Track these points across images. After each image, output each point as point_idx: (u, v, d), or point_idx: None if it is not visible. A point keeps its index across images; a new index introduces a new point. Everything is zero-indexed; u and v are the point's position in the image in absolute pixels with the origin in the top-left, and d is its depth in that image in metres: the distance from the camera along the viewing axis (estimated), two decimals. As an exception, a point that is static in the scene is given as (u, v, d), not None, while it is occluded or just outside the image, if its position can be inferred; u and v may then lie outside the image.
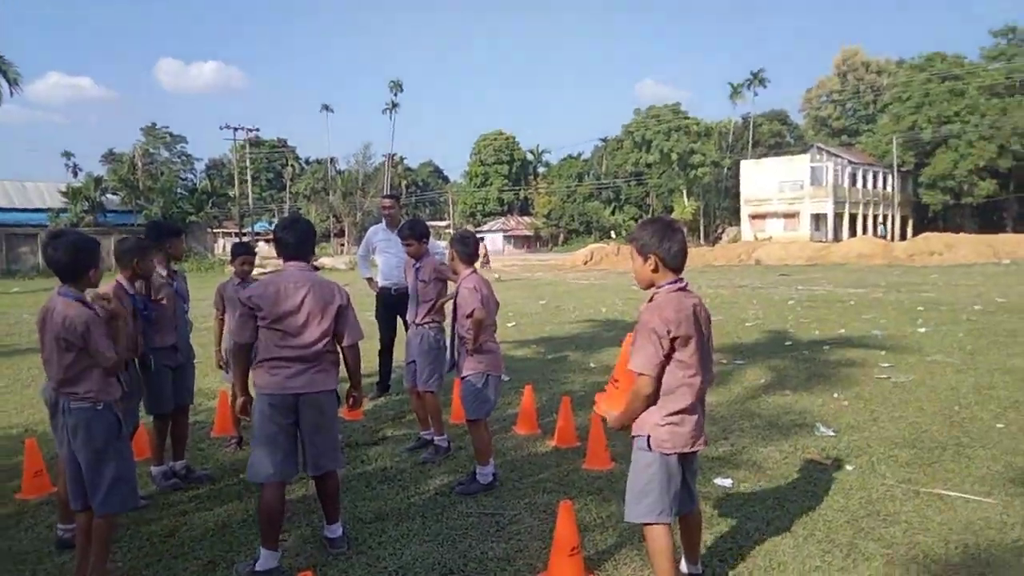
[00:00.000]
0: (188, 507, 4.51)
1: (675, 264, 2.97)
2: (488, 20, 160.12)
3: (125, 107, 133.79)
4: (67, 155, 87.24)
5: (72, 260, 3.35)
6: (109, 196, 48.31)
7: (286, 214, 75.00)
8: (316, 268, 4.11)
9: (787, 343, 10.29)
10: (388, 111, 79.21)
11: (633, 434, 3.03)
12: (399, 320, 7.45)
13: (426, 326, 5.57)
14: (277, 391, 3.53)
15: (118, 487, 3.34)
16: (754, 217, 58.34)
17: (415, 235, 5.58)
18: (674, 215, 64.84)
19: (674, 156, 64.63)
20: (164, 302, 4.77)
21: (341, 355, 3.75)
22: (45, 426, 6.51)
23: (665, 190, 70.52)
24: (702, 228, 66.03)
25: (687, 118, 67.05)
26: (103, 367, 3.28)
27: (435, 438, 5.52)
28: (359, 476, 5.01)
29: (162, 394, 4.79)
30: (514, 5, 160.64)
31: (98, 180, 48.52)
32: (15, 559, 3.80)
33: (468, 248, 4.89)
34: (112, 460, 3.33)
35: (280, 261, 3.80)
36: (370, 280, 7.64)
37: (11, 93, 45.85)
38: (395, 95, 78.67)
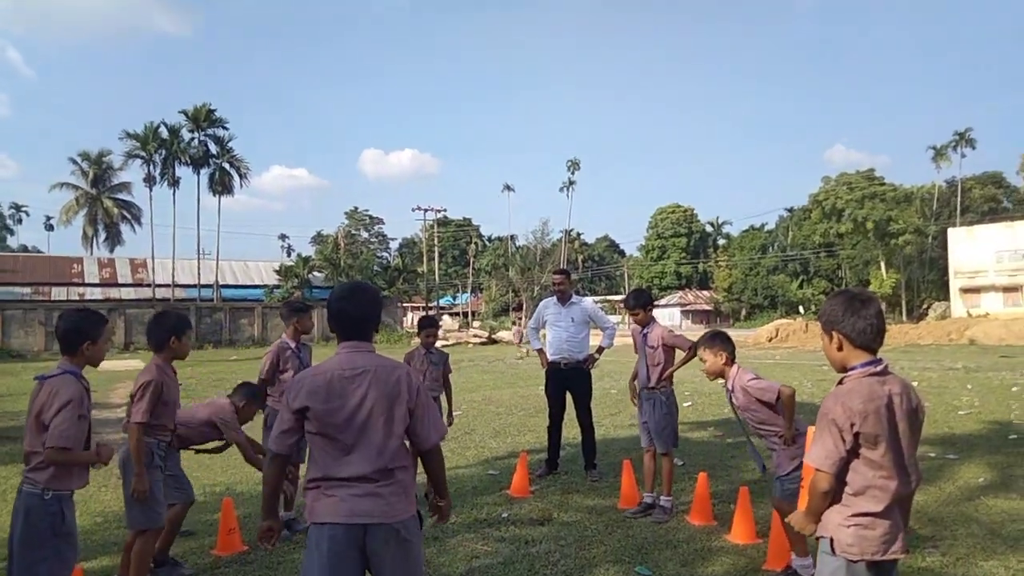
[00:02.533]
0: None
1: (864, 342, 2.57)
2: (662, 92, 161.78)
3: (333, 193, 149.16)
4: (283, 237, 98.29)
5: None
6: (315, 273, 53.42)
7: (469, 288, 78.63)
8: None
9: (1011, 436, 8.93)
10: (565, 189, 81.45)
11: (817, 534, 2.67)
12: (568, 395, 7.42)
13: (658, 390, 5.87)
14: (340, 519, 2.67)
15: None
16: (966, 291, 52.37)
17: (640, 304, 6.02)
18: (871, 288, 59.93)
19: (870, 225, 60.17)
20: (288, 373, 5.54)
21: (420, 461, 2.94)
22: (244, 486, 7.11)
23: (860, 262, 65.66)
24: (904, 303, 60.40)
25: (883, 184, 62.56)
26: None
27: (661, 499, 5.76)
28: (523, 558, 4.91)
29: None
30: (689, 75, 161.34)
31: (306, 260, 54.02)
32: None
33: (733, 344, 4.70)
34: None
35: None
36: (541, 351, 7.68)
37: (240, 185, 53.15)
38: (572, 173, 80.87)
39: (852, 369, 2.59)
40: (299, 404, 2.72)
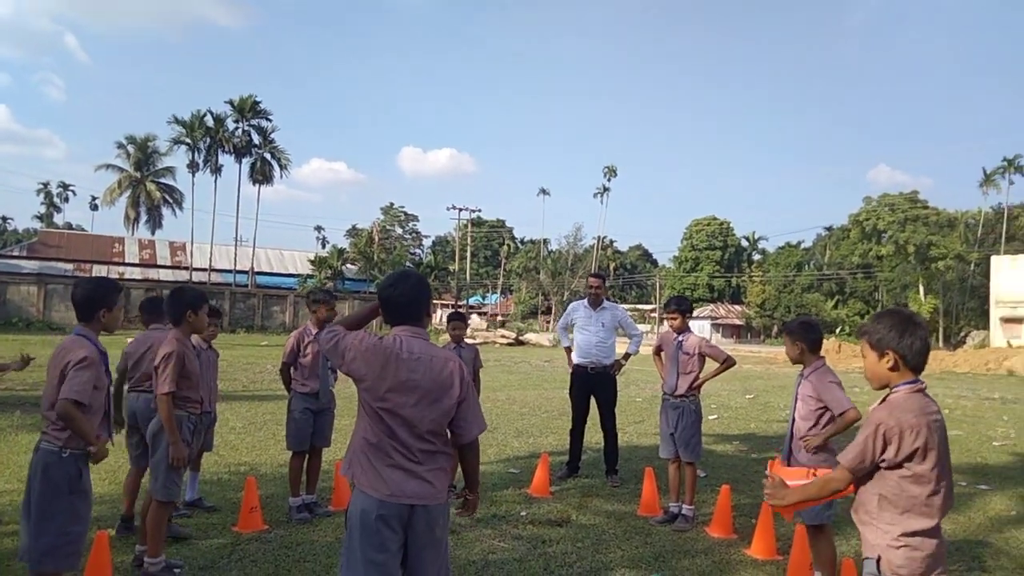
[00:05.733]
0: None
1: (916, 363, 2.62)
2: (705, 104, 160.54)
3: (370, 188, 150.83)
4: (319, 228, 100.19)
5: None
6: (349, 266, 53.92)
7: (499, 289, 78.76)
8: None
9: (1048, 470, 8.68)
10: (600, 195, 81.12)
11: (864, 555, 2.63)
12: (592, 400, 7.39)
13: (687, 399, 5.87)
14: (384, 496, 2.73)
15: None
16: (1007, 321, 50.93)
17: (680, 310, 6.00)
18: (908, 313, 58.58)
19: (911, 248, 58.92)
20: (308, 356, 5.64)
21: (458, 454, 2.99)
22: (268, 467, 7.20)
23: (898, 285, 64.27)
24: (941, 329, 58.99)
25: (925, 207, 61.26)
26: None
27: (684, 508, 5.79)
28: (539, 556, 4.91)
29: (300, 434, 5.58)
30: (731, 90, 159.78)
31: (341, 252, 54.55)
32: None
33: (817, 334, 4.59)
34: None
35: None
36: (568, 350, 7.68)
37: (280, 176, 53.87)
38: (608, 180, 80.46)
39: (898, 387, 2.62)
40: (350, 364, 2.80)
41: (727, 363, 5.95)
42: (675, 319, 6.01)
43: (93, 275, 43.66)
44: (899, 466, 2.50)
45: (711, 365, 6.04)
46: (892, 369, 2.62)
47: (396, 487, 2.71)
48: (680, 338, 5.96)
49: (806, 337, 4.53)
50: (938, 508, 2.52)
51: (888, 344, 2.62)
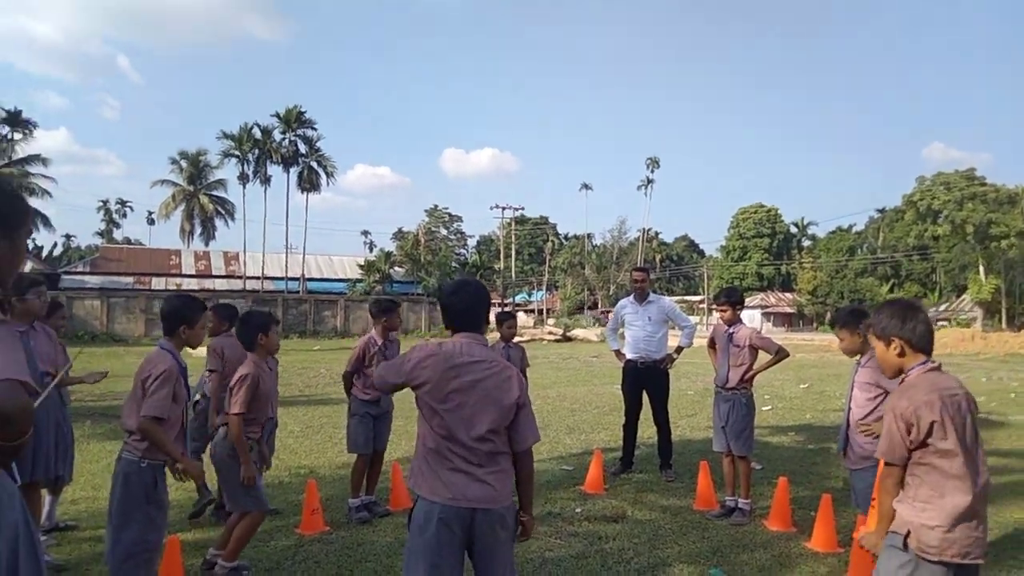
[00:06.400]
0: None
1: (923, 345, 2.73)
2: (746, 89, 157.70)
3: (414, 191, 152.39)
4: (365, 233, 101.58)
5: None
6: (396, 268, 54.57)
7: (544, 286, 78.73)
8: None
9: (1125, 454, 8.33)
10: (643, 187, 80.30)
11: (891, 529, 2.66)
12: (645, 394, 7.37)
13: (739, 392, 5.81)
14: (447, 500, 2.77)
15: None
16: (1076, 298, 48.86)
17: (730, 302, 5.97)
18: (968, 294, 56.81)
19: (969, 228, 56.83)
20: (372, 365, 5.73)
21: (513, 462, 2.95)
22: (327, 469, 7.37)
23: (956, 266, 62.15)
24: (1004, 310, 56.83)
25: (984, 184, 59.00)
26: None
27: (740, 502, 5.74)
28: (596, 553, 4.93)
29: (363, 438, 5.73)
30: (777, 73, 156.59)
31: (388, 255, 55.25)
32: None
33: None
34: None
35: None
36: (618, 352, 7.66)
37: (327, 183, 54.78)
38: (651, 172, 79.63)
39: (911, 370, 2.74)
40: (413, 377, 2.87)
41: (779, 355, 5.87)
42: (725, 311, 5.98)
43: (152, 287, 45.26)
44: (924, 444, 2.57)
45: (764, 357, 5.97)
46: (900, 355, 2.75)
47: (458, 491, 2.75)
48: (731, 330, 5.92)
49: (854, 323, 4.52)
50: (972, 482, 2.56)
51: (892, 332, 2.76)
